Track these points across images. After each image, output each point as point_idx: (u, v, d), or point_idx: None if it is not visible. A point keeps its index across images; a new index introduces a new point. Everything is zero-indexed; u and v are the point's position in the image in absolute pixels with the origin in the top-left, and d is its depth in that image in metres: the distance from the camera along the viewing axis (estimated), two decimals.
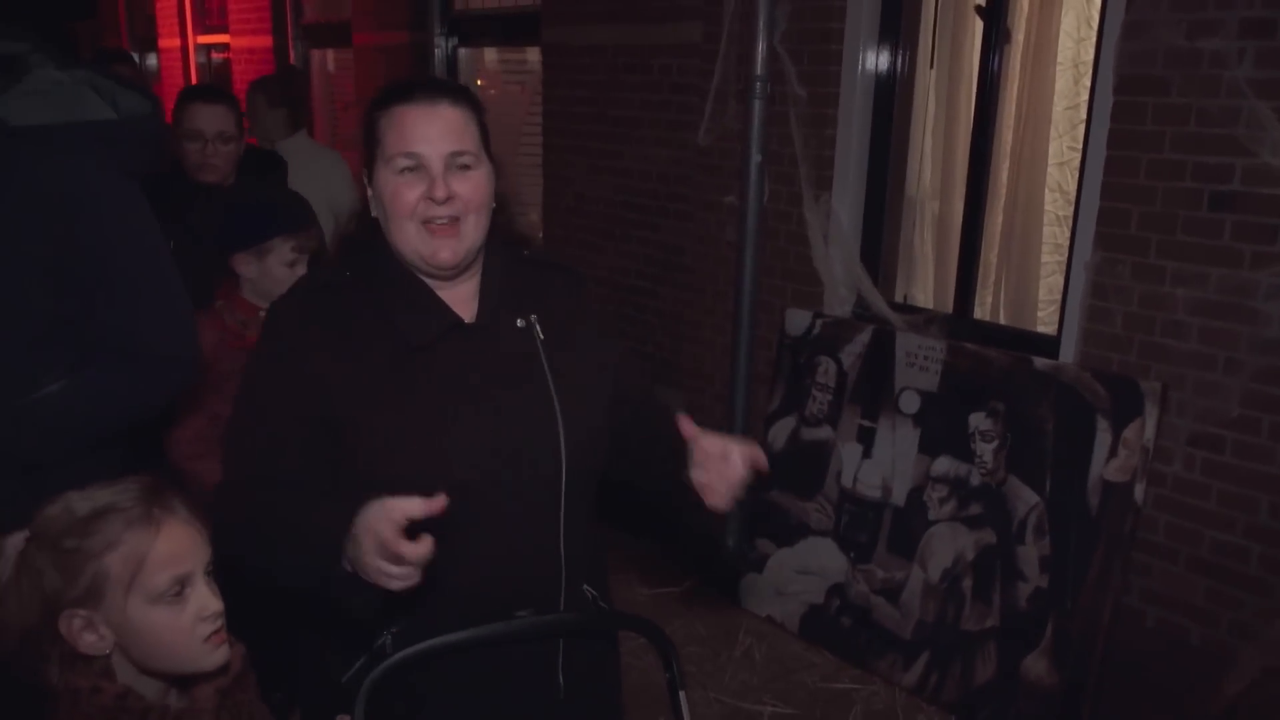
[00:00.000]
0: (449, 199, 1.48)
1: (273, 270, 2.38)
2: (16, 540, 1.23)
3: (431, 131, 1.48)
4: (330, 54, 7.15)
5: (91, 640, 1.22)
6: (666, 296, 4.34)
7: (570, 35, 4.63)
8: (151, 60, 9.98)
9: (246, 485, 1.51)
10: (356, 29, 6.39)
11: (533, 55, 5.62)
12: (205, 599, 1.26)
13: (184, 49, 8.96)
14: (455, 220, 1.50)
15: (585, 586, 1.65)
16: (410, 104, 1.49)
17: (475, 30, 5.69)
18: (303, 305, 1.56)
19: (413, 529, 1.44)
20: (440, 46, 5.76)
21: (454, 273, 1.55)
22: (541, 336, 1.59)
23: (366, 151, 1.54)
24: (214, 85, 6.46)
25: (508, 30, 5.47)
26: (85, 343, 1.84)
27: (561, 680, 1.63)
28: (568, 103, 4.67)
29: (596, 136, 4.53)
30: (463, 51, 5.80)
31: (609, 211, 4.55)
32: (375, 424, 1.48)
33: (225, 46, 8.18)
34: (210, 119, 2.87)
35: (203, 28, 8.84)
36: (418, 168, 1.48)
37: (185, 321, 1.91)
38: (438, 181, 1.48)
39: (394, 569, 1.30)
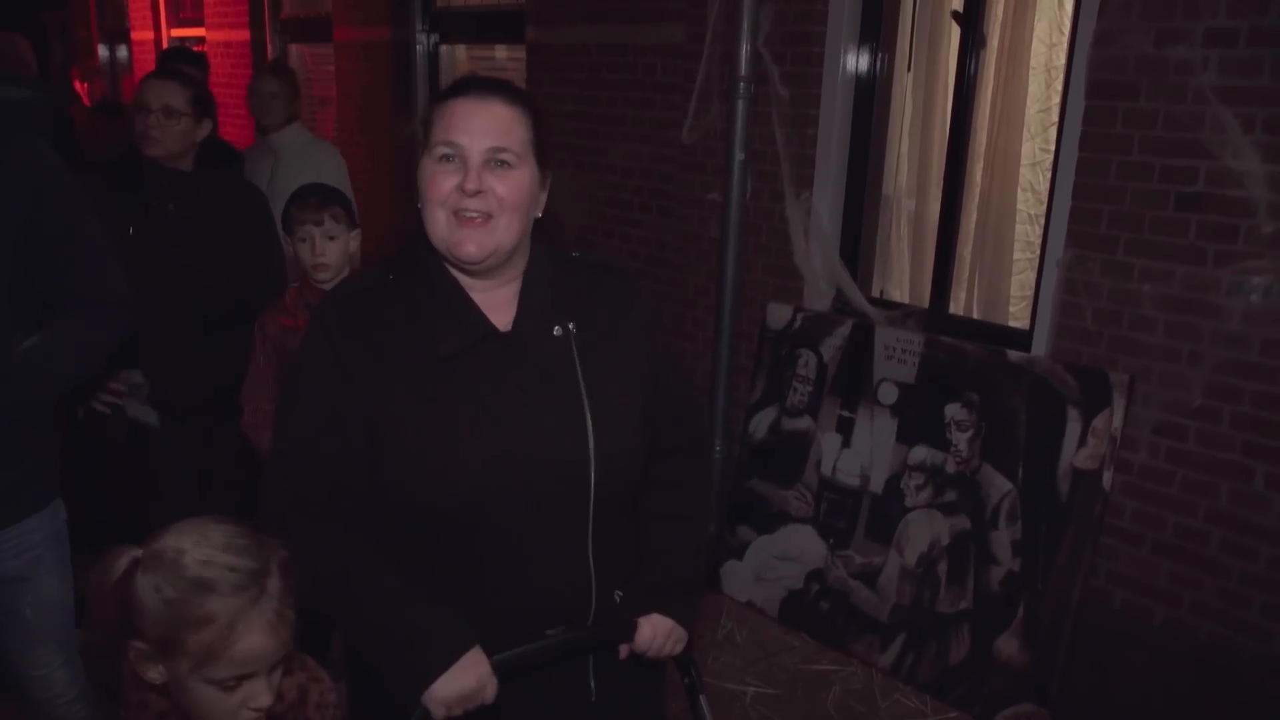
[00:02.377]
0: (480, 193, 1.48)
1: (297, 249, 2.52)
2: (128, 557, 1.25)
3: (475, 124, 1.48)
4: (308, 49, 7.17)
5: (148, 672, 1.27)
6: (649, 291, 4.43)
7: (554, 34, 4.71)
8: (122, 53, 9.92)
9: (298, 487, 1.52)
10: (338, 24, 6.41)
11: (501, 53, 5.68)
12: (257, 693, 1.27)
13: (157, 42, 8.91)
14: (488, 217, 1.49)
15: (616, 592, 1.64)
16: (463, 97, 1.50)
17: (457, 27, 5.74)
18: (343, 308, 1.56)
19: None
20: (421, 43, 5.81)
21: (480, 268, 1.53)
22: (578, 345, 1.57)
23: (421, 142, 1.54)
24: (185, 49, 6.42)
25: (490, 28, 5.53)
26: (46, 298, 2.00)
27: (593, 684, 1.65)
28: (551, 100, 4.74)
29: (580, 134, 4.61)
30: (444, 49, 5.86)
31: (593, 208, 4.63)
32: (403, 433, 1.48)
33: (201, 40, 8.15)
34: (157, 93, 2.84)
35: (177, 20, 8.81)
36: (455, 158, 1.48)
37: (123, 269, 2.10)
38: (471, 174, 1.47)
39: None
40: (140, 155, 2.87)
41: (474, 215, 1.49)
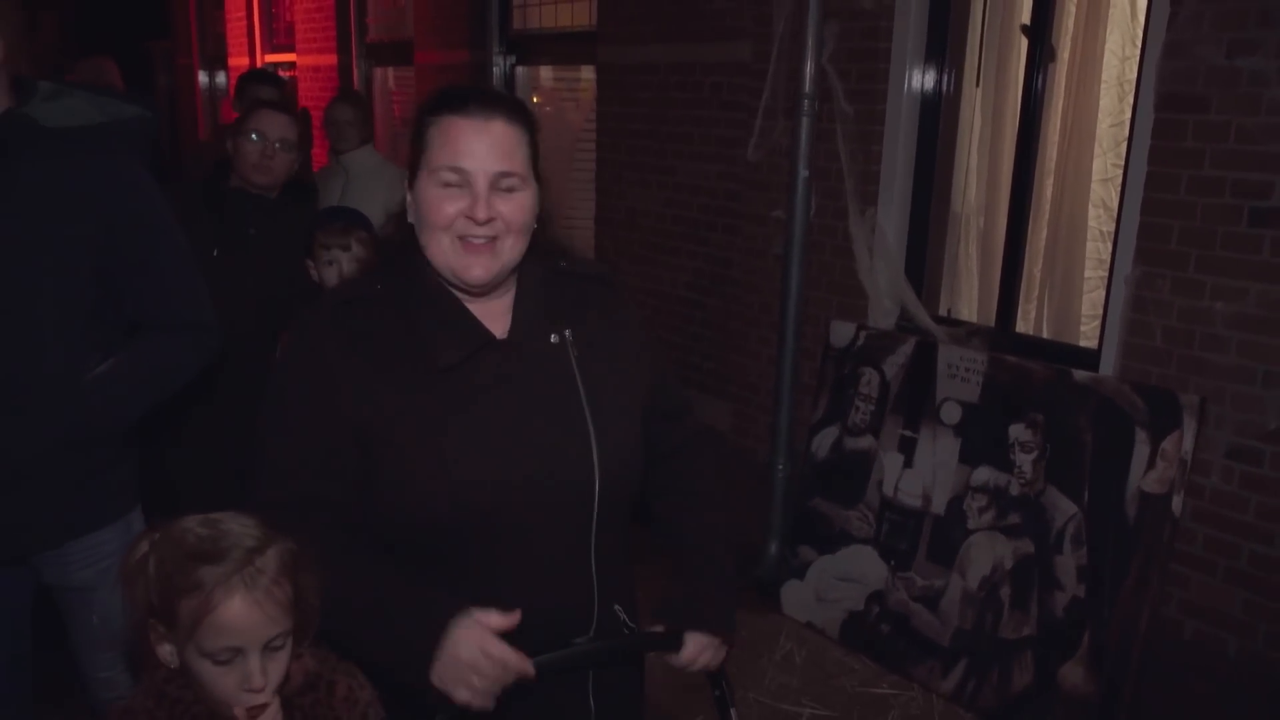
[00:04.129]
0: (490, 220, 1.45)
1: (322, 273, 2.55)
2: (149, 539, 1.31)
3: (481, 148, 1.44)
4: (392, 72, 7.37)
5: (163, 650, 1.32)
6: (714, 308, 4.44)
7: (624, 54, 4.76)
8: (221, 78, 10.34)
9: (289, 502, 1.46)
10: (418, 48, 6.58)
11: (588, 73, 5.77)
12: (251, 674, 1.28)
13: (252, 68, 9.24)
14: (493, 240, 1.47)
15: (615, 606, 1.61)
16: (463, 116, 1.45)
17: (532, 49, 5.85)
18: (333, 316, 1.50)
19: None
20: (498, 65, 5.92)
21: (485, 290, 1.52)
22: (576, 352, 1.55)
23: (412, 155, 1.50)
24: (264, 71, 6.66)
25: (564, 49, 5.62)
26: (124, 322, 2.02)
27: (593, 704, 1.62)
28: (621, 119, 4.79)
29: (648, 152, 4.65)
30: (520, 70, 5.97)
31: (660, 225, 4.66)
32: (400, 444, 1.44)
33: (292, 64, 8.45)
34: (276, 126, 2.96)
35: (271, 46, 9.14)
36: (462, 183, 1.45)
37: (207, 294, 2.10)
38: (480, 201, 1.44)
39: (492, 686, 1.37)
40: (224, 178, 2.98)
41: (480, 240, 1.46)
